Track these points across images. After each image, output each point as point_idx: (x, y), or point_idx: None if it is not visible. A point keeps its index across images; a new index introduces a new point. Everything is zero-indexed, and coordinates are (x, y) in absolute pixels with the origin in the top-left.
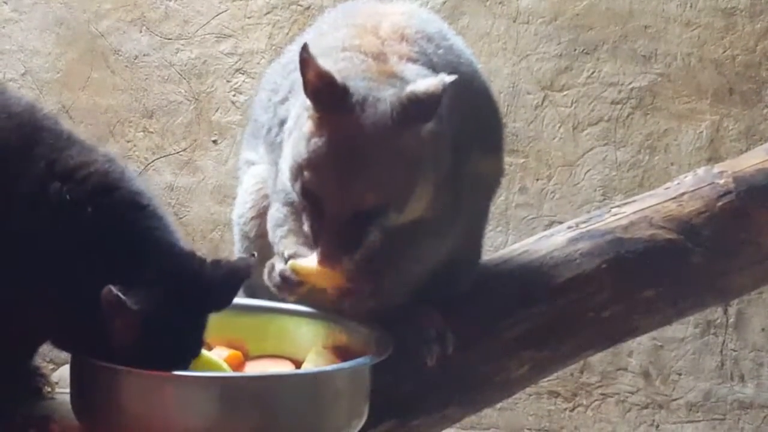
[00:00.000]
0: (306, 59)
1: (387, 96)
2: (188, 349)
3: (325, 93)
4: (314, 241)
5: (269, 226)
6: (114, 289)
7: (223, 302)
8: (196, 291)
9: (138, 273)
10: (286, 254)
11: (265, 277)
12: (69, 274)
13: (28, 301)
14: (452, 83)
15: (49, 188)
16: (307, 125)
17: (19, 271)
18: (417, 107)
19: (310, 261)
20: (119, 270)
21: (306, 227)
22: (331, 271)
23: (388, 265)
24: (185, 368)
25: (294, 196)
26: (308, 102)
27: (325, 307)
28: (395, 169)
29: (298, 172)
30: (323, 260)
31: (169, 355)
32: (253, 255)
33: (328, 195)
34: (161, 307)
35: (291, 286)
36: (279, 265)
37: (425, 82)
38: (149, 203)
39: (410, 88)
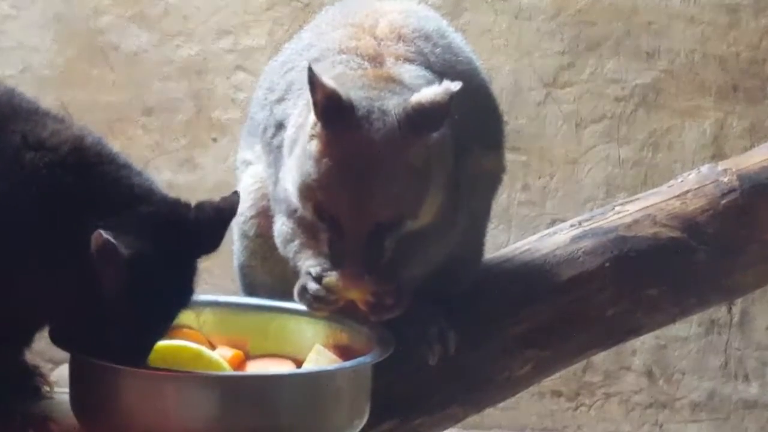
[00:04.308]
0: (314, 80)
1: (392, 107)
2: (179, 297)
3: (333, 112)
4: (334, 259)
5: (278, 241)
6: (104, 233)
7: (211, 245)
8: (183, 235)
9: (123, 222)
10: (313, 273)
11: (296, 296)
12: (53, 238)
13: (14, 277)
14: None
15: (25, 159)
16: (315, 145)
17: (3, 247)
18: (424, 118)
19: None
20: (103, 223)
21: (322, 246)
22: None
23: (403, 271)
24: (175, 317)
25: (300, 211)
26: (313, 120)
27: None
28: (408, 180)
29: (309, 192)
30: (348, 279)
31: (160, 304)
32: (236, 192)
33: (346, 214)
34: (150, 251)
35: (327, 304)
36: (311, 285)
37: (431, 92)
38: (125, 161)
39: (416, 99)
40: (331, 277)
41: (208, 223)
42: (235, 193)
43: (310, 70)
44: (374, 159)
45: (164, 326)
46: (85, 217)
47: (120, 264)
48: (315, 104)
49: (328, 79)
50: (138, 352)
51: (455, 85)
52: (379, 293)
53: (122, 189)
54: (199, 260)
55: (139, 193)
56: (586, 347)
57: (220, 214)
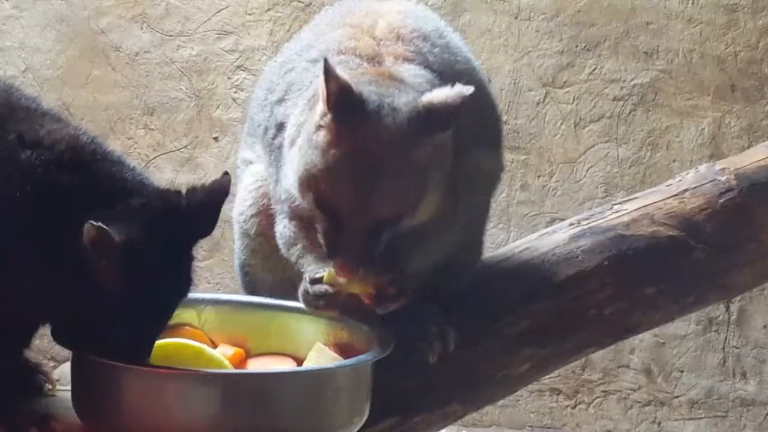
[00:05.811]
0: (329, 71)
1: (402, 104)
2: (177, 285)
3: (345, 104)
4: (330, 250)
5: (281, 243)
6: (95, 223)
7: (205, 229)
8: (176, 220)
9: (114, 213)
10: (316, 277)
11: (302, 301)
12: (50, 236)
13: (13, 276)
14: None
15: (20, 158)
16: (322, 135)
17: (0, 246)
18: (434, 118)
19: None
20: (94, 215)
21: (319, 237)
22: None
23: (403, 263)
24: (175, 308)
25: (302, 207)
26: (322, 111)
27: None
28: (411, 179)
29: (311, 182)
30: (342, 271)
31: (158, 294)
32: (227, 173)
33: (347, 207)
34: (143, 237)
35: (330, 300)
36: (314, 287)
37: (443, 93)
38: (119, 157)
39: (427, 98)
40: (330, 270)
41: (200, 207)
42: (226, 174)
43: (326, 61)
44: (382, 155)
45: (164, 317)
46: (81, 214)
47: (114, 251)
48: (328, 95)
49: (342, 71)
50: (139, 348)
51: (468, 89)
52: (380, 284)
53: (116, 184)
54: (195, 246)
55: (131, 187)
56: (585, 345)
57: (212, 196)
